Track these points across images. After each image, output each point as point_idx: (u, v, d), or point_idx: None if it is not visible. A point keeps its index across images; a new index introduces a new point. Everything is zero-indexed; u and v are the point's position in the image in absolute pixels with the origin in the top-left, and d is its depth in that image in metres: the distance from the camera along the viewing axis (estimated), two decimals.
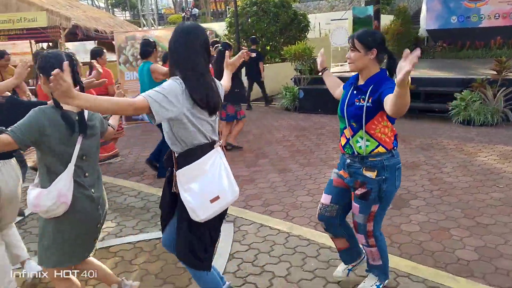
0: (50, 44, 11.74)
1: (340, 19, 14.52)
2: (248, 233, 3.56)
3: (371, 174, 2.33)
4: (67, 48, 9.78)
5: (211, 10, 41.15)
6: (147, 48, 4.86)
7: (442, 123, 7.51)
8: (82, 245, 2.22)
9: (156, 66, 4.79)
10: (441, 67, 10.42)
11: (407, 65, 1.72)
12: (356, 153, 2.38)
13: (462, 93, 7.45)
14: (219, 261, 3.12)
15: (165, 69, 4.89)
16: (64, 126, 2.04)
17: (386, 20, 16.51)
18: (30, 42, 11.90)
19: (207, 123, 2.08)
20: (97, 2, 43.90)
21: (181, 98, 1.93)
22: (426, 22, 14.41)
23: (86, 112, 2.17)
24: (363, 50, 2.28)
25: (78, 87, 2.14)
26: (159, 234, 3.63)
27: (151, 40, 5.18)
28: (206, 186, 2.03)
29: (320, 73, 2.97)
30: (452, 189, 4.34)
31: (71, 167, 2.07)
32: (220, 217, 2.20)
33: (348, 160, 2.46)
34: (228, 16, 19.07)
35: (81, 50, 12.26)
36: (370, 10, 14.82)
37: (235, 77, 5.60)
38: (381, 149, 2.33)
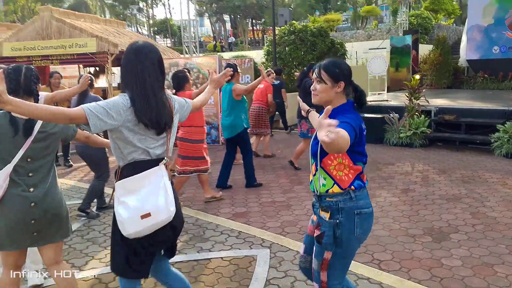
0: (97, 68, 12.36)
1: (377, 48, 14.54)
2: (284, 260, 3.57)
3: (325, 216, 2.11)
4: (113, 73, 10.28)
5: (249, 38, 42.18)
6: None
7: (484, 155, 7.30)
8: (10, 237, 2.39)
9: (237, 86, 5.57)
10: (482, 98, 10.19)
11: (323, 133, 1.46)
12: (316, 191, 2.17)
13: (505, 125, 7.25)
14: (255, 286, 3.14)
15: (244, 87, 5.65)
16: (6, 128, 2.32)
17: (424, 49, 16.40)
18: (79, 67, 12.59)
19: (151, 140, 2.08)
20: (141, 30, 45.94)
21: (124, 114, 1.98)
22: (466, 53, 14.21)
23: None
24: (330, 82, 2.09)
25: (32, 98, 2.44)
26: (197, 255, 3.71)
27: (232, 63, 5.86)
28: (139, 202, 2.02)
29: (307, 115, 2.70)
30: (496, 224, 4.20)
31: (9, 166, 2.33)
32: (163, 234, 2.12)
33: (313, 199, 2.27)
34: (266, 44, 19.49)
35: None
36: (408, 39, 14.82)
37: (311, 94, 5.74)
38: (336, 189, 2.09)
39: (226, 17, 45.64)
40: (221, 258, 3.64)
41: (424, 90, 8.91)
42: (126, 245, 2.09)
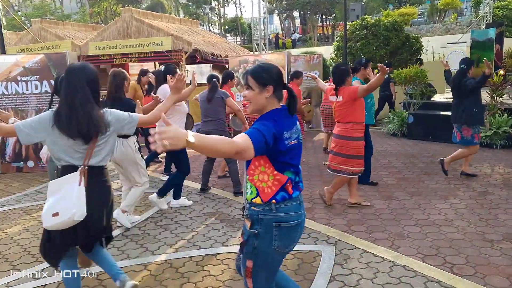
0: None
1: (456, 43, 13.70)
2: (350, 257, 3.52)
3: (247, 224, 2.07)
4: (187, 70, 10.72)
5: (318, 34, 41.68)
6: (356, 66, 5.29)
7: None
8: None
9: (356, 82, 5.02)
10: None
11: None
12: (244, 197, 2.15)
13: None
14: (320, 281, 3.15)
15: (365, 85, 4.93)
16: None
17: (510, 43, 15.14)
18: (155, 64, 13.29)
19: (74, 149, 2.49)
20: (212, 28, 47.29)
21: (48, 127, 2.45)
22: None
23: None
24: (258, 88, 2.02)
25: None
26: None
27: (362, 60, 5.40)
28: (54, 202, 2.46)
29: None
30: None
31: None
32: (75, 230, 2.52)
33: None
34: (336, 40, 19.17)
35: (198, 72, 13.34)
36: (492, 32, 13.78)
37: (471, 94, 5.55)
38: (258, 200, 2.04)
39: (296, 14, 45.49)
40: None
41: (508, 87, 8.27)
42: (46, 233, 2.58)
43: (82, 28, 14.37)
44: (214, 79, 5.34)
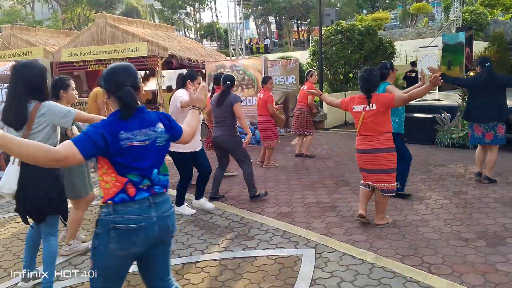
0: (147, 72, 12.82)
1: (429, 46, 14.04)
2: (330, 261, 3.54)
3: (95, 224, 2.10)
4: (163, 76, 10.63)
5: (294, 39, 42.05)
6: (383, 71, 4.90)
7: None
8: None
9: (391, 87, 4.79)
10: None
11: None
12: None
13: None
14: (301, 285, 3.15)
15: (396, 90, 4.66)
16: None
17: (479, 47, 15.66)
18: None
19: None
20: (188, 34, 47.10)
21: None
22: None
23: None
24: (106, 94, 2.10)
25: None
26: (243, 253, 3.77)
27: (387, 64, 5.08)
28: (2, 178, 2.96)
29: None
30: None
31: None
32: None
33: None
34: (311, 44, 19.36)
35: (174, 78, 13.23)
36: (462, 36, 14.19)
37: (503, 91, 5.48)
38: (102, 200, 2.06)
39: (271, 19, 45.78)
40: (267, 256, 3.67)
41: None
42: None
43: (55, 34, 14.06)
44: (228, 82, 5.12)
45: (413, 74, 13.00)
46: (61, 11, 39.97)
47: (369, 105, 3.97)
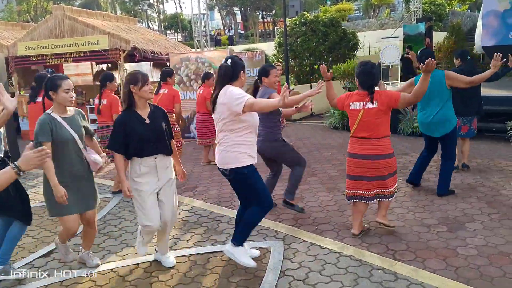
0: (109, 65, 12.47)
1: (390, 37, 14.35)
2: (298, 251, 3.58)
3: None
4: (125, 69, 10.36)
5: (259, 30, 41.98)
6: (422, 57, 4.55)
7: (500, 143, 7.19)
8: None
9: (451, 73, 4.60)
10: (498, 86, 9.95)
11: None
12: None
13: None
14: (270, 277, 3.17)
15: (461, 77, 4.47)
16: None
17: (439, 37, 16.14)
18: (91, 64, 12.72)
19: None
20: (152, 25, 46.10)
21: None
22: (481, 39, 13.90)
23: None
24: None
25: None
26: (212, 248, 3.75)
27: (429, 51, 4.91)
28: None
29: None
30: None
31: None
32: None
33: None
34: (277, 36, 19.40)
35: None
36: (422, 27, 14.60)
37: (479, 86, 5.37)
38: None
39: (237, 10, 45.49)
40: None
41: None
42: None
43: (9, 27, 13.41)
44: (256, 79, 4.32)
45: (409, 56, 13.15)
46: (16, 2, 38.19)
47: (371, 102, 3.56)
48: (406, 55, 13.75)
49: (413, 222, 4.07)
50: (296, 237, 3.88)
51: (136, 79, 3.10)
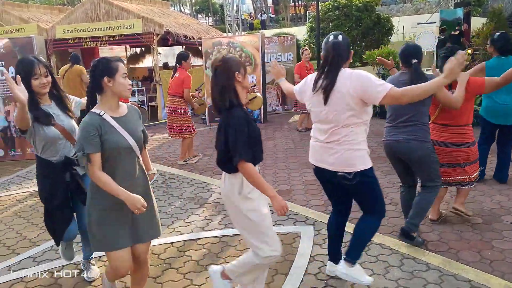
0: (143, 48, 12.66)
1: (426, 23, 13.91)
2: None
3: None
4: (159, 53, 10.50)
5: (290, 14, 41.46)
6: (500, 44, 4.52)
7: None
8: None
9: None
10: None
11: None
12: None
13: None
14: (300, 261, 3.21)
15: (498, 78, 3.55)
16: None
17: (477, 23, 15.47)
18: (125, 47, 12.94)
19: None
20: (183, 9, 46.30)
21: None
22: None
23: None
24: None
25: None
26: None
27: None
28: None
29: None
30: None
31: None
32: None
33: None
34: (309, 21, 19.13)
35: (170, 55, 13.09)
36: (460, 12, 14.04)
37: None
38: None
39: None
40: None
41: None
42: None
43: (48, 11, 13.78)
44: (414, 60, 3.19)
45: (457, 32, 13.03)
46: None
47: (450, 89, 3.36)
48: (453, 32, 13.28)
49: (447, 213, 4.01)
50: (326, 223, 3.88)
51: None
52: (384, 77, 9.65)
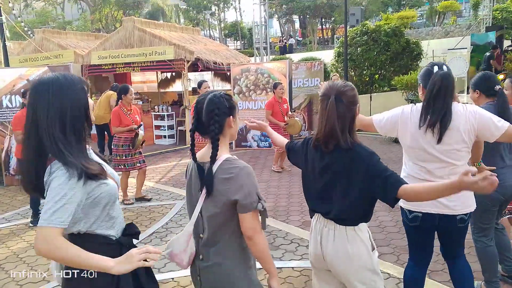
0: (174, 74, 13.01)
1: (457, 48, 13.74)
2: None
3: None
4: (189, 79, 10.76)
5: (318, 37, 41.76)
6: None
7: None
8: None
9: None
10: None
11: None
12: None
13: None
14: None
15: None
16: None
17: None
18: (157, 73, 13.35)
19: None
20: (213, 33, 47.43)
21: None
22: None
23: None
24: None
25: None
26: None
27: None
28: None
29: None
30: None
31: (190, 225, 1.83)
32: None
33: None
34: (336, 45, 19.23)
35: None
36: (492, 36, 13.84)
37: None
38: None
39: (295, 17, 45.58)
40: (292, 268, 3.70)
41: None
42: None
43: (85, 37, 14.43)
44: (499, 88, 2.87)
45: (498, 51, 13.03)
46: (89, 11, 40.91)
47: None
48: (492, 50, 12.94)
49: None
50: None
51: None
52: (413, 102, 9.54)
